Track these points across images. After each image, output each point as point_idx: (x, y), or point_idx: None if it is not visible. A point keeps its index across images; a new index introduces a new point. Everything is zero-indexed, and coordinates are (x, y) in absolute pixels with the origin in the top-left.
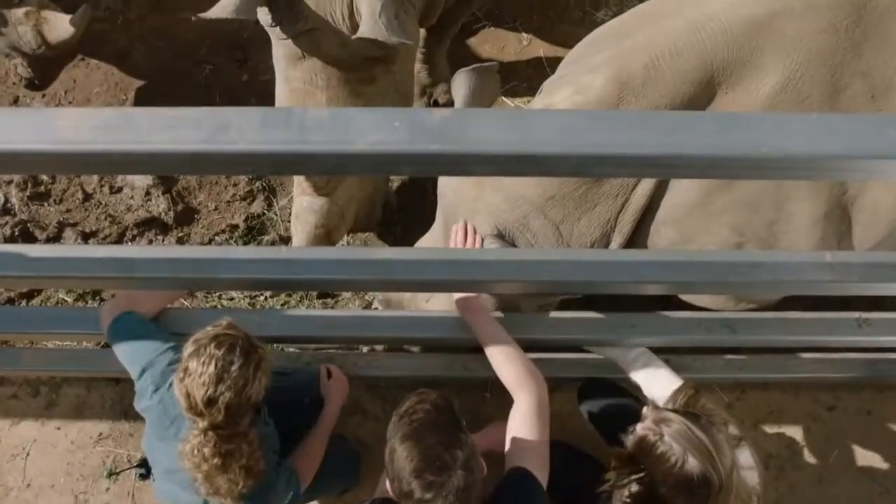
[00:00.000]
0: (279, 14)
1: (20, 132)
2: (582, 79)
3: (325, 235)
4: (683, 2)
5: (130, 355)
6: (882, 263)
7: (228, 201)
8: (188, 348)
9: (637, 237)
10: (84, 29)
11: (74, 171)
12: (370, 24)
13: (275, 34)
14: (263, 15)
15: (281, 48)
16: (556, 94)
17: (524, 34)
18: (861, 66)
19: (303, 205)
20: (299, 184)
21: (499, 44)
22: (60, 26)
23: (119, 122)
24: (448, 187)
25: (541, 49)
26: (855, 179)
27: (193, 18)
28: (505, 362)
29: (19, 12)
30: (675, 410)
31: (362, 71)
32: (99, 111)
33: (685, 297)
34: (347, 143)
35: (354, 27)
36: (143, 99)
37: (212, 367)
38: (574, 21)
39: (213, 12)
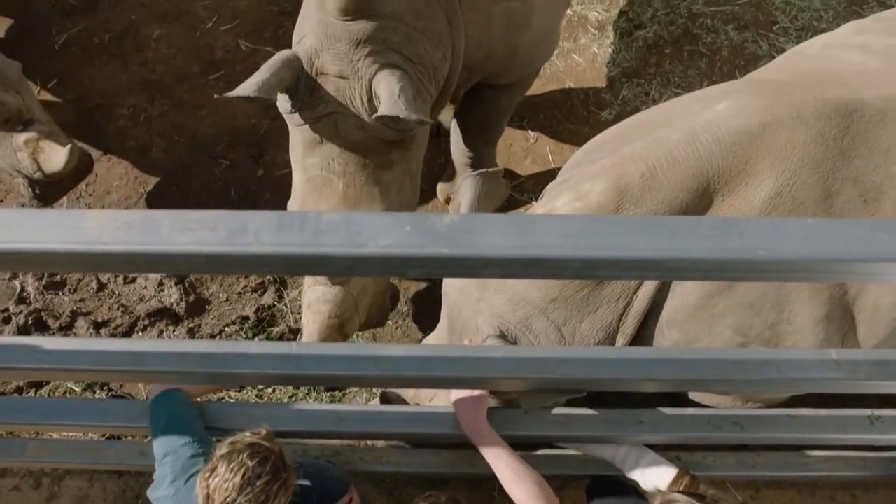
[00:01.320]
0: (299, 99)
1: (46, 233)
2: (582, 185)
3: (339, 327)
4: (678, 112)
5: (163, 434)
6: (889, 361)
7: (240, 293)
8: (222, 448)
9: (640, 340)
10: (75, 165)
11: (97, 270)
12: (390, 103)
13: (293, 120)
14: (283, 101)
15: (298, 134)
16: (557, 199)
17: (531, 132)
18: (851, 172)
19: (316, 295)
20: None
21: (507, 141)
22: (55, 158)
23: (141, 223)
24: (452, 288)
25: (547, 146)
26: (852, 282)
27: (217, 97)
28: (515, 482)
29: (20, 138)
30: (680, 492)
31: (380, 155)
32: (122, 213)
33: (693, 396)
34: (360, 246)
35: (373, 111)
36: (160, 193)
37: (238, 477)
38: (579, 120)
39: (238, 91)
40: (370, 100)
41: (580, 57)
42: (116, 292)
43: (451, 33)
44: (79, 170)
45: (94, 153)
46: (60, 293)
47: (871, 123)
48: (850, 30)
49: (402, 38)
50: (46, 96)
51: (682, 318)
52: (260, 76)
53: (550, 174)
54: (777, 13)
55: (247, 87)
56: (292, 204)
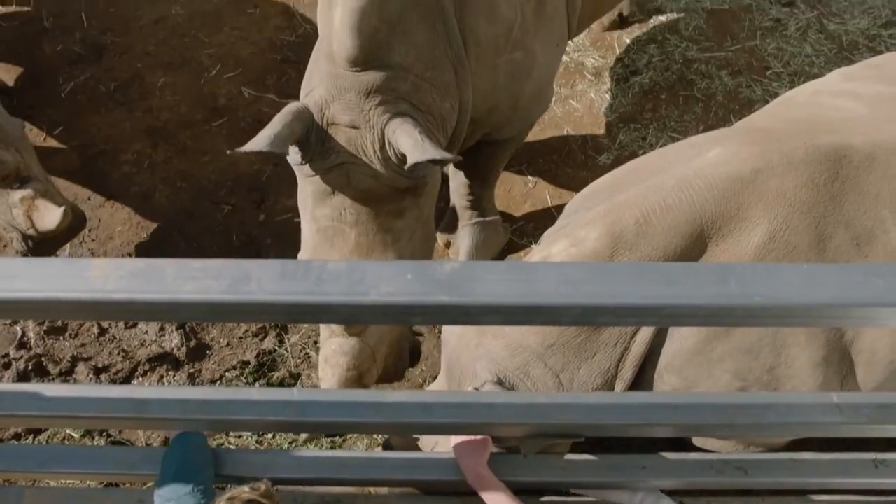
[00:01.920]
0: (310, 150)
1: (51, 282)
2: (578, 232)
3: (357, 379)
4: (671, 159)
5: (171, 479)
6: (890, 404)
7: (241, 337)
8: (220, 502)
9: (639, 385)
10: (68, 224)
11: (101, 318)
12: (419, 148)
13: (302, 172)
14: (293, 153)
15: (308, 186)
16: (553, 245)
17: (530, 177)
18: (843, 217)
19: (332, 347)
20: (327, 326)
21: (506, 186)
22: (48, 217)
23: (145, 272)
24: (452, 334)
25: (546, 190)
26: (847, 326)
27: (229, 152)
28: None
29: (16, 196)
30: None
31: (392, 203)
32: (126, 262)
33: (695, 441)
34: (362, 294)
35: (385, 158)
36: (163, 238)
37: None
38: (577, 164)
39: (249, 146)
40: (383, 148)
41: (578, 103)
42: (117, 337)
43: (458, 84)
44: (72, 227)
45: (98, 199)
46: (61, 338)
47: (860, 169)
48: (839, 77)
49: (411, 87)
50: (52, 143)
51: (680, 364)
52: (271, 130)
53: (550, 218)
54: (770, 59)
55: (258, 142)
56: (303, 255)
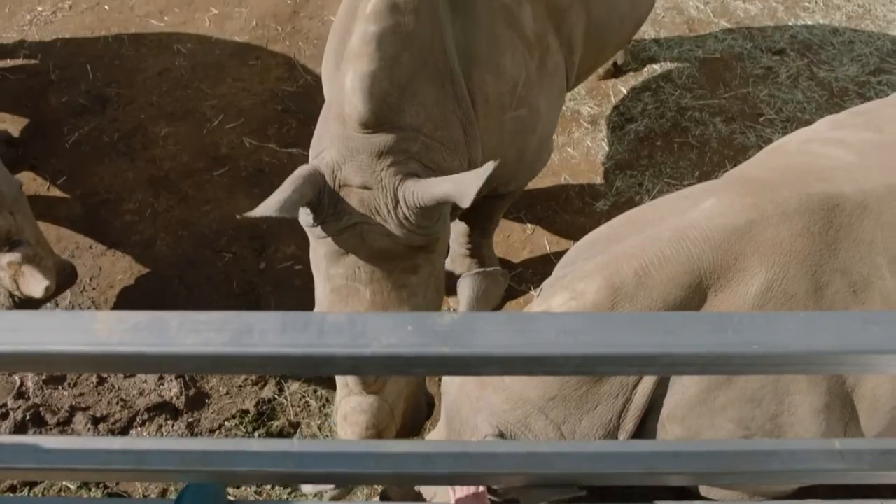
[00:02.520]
0: (322, 212)
1: (56, 334)
2: (577, 285)
3: (377, 437)
4: (666, 210)
5: None
6: (893, 450)
7: (240, 386)
8: None
9: (642, 436)
10: (52, 294)
11: (104, 371)
12: (452, 185)
13: (315, 233)
14: (304, 216)
15: (321, 247)
16: (553, 299)
17: (529, 224)
18: (839, 264)
19: (351, 405)
20: (345, 384)
21: (505, 233)
22: (33, 286)
23: (149, 325)
24: (452, 385)
25: (544, 237)
26: (846, 374)
27: (239, 217)
28: None
29: (4, 259)
30: None
31: (405, 261)
32: (130, 315)
33: (701, 490)
34: (363, 346)
35: (399, 218)
36: (163, 286)
37: None
38: (575, 211)
39: (260, 211)
40: (396, 207)
41: (574, 150)
42: (116, 386)
43: (467, 142)
44: (61, 283)
45: (99, 247)
46: (60, 388)
47: (852, 216)
48: (827, 125)
49: (422, 147)
50: (55, 192)
51: (682, 413)
52: (282, 194)
53: (548, 263)
54: (762, 105)
55: (269, 206)
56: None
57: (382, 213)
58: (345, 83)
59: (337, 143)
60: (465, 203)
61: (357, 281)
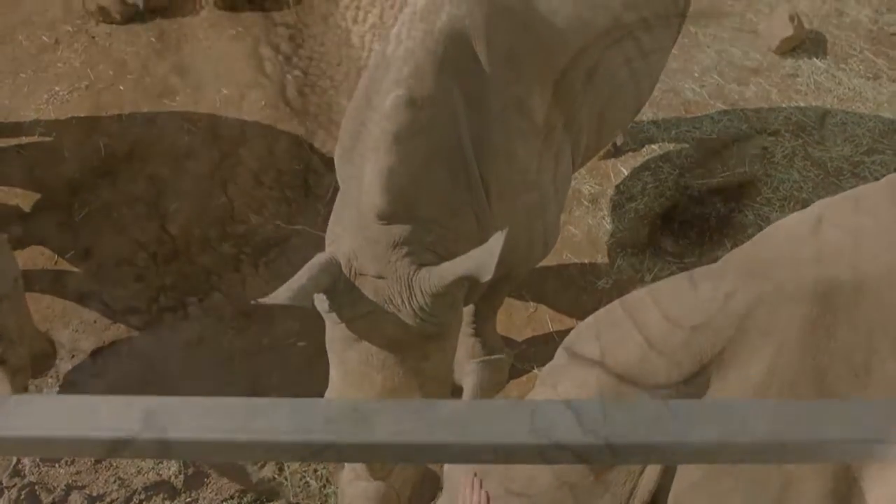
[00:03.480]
0: (338, 300)
1: (61, 420)
2: (579, 372)
3: None
4: (662, 296)
5: None
6: None
7: (240, 465)
8: None
9: None
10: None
11: (109, 457)
12: (470, 262)
13: (330, 318)
14: (320, 302)
15: (337, 331)
16: (557, 387)
17: (531, 302)
18: (838, 348)
19: (357, 491)
20: (352, 469)
21: (507, 312)
22: None
23: (156, 411)
24: (455, 470)
25: (547, 315)
26: (851, 462)
27: (253, 303)
28: None
29: None
30: None
31: (418, 349)
32: (138, 400)
33: None
34: (368, 434)
35: (414, 308)
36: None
37: None
38: (577, 289)
39: (273, 299)
40: (411, 296)
41: (576, 229)
42: (114, 464)
43: (479, 229)
44: (39, 364)
45: (104, 321)
46: (56, 466)
47: (850, 300)
48: (819, 209)
49: (436, 237)
50: (63, 265)
51: (689, 499)
52: (297, 282)
53: (551, 342)
54: (760, 185)
55: (282, 294)
56: (330, 397)
57: (396, 303)
58: (363, 176)
59: (353, 232)
60: (486, 276)
61: (370, 366)
